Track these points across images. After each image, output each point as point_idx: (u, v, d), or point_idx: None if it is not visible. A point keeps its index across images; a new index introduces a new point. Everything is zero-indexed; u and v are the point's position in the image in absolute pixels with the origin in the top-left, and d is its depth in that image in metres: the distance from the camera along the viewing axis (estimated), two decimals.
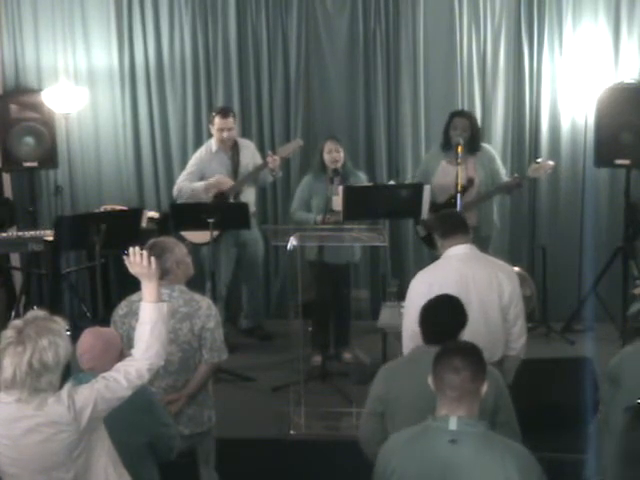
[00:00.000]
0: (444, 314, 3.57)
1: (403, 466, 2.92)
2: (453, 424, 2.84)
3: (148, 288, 3.10)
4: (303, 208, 5.95)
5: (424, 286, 4.11)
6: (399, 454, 2.96)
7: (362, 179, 6.05)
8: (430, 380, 2.96)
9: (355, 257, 6.09)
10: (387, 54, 6.74)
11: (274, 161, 6.05)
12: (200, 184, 6.13)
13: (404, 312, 4.22)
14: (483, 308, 4.06)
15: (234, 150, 6.26)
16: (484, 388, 2.92)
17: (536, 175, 5.94)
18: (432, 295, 4.01)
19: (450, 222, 4.33)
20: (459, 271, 4.11)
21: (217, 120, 6.13)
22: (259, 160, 6.32)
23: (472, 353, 2.96)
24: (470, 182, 5.79)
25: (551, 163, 6.00)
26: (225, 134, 6.12)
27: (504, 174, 6.04)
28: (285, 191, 6.92)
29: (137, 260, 3.10)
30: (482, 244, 5.91)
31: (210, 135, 6.32)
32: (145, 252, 3.13)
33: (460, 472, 2.83)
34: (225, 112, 6.18)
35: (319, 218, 5.72)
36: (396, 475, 2.94)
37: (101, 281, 5.45)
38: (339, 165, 5.81)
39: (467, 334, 3.96)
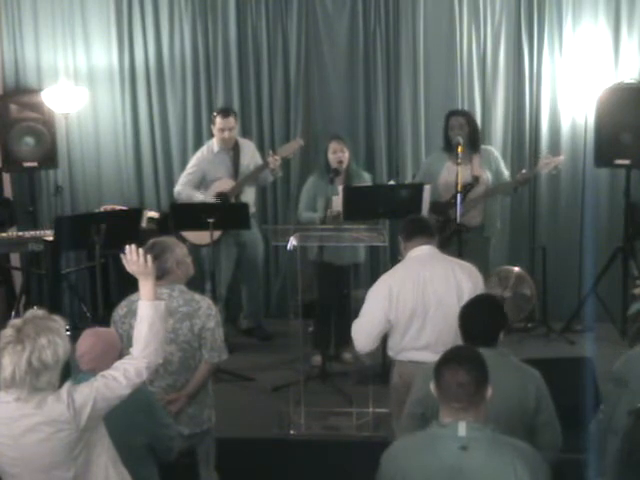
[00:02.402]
0: (484, 314, 3.57)
1: (411, 476, 2.90)
2: (462, 430, 2.83)
3: (145, 286, 3.11)
4: (309, 209, 5.93)
5: (384, 288, 4.18)
6: (406, 463, 2.93)
7: (367, 179, 6.04)
8: (432, 387, 2.95)
9: (359, 258, 6.08)
10: (387, 54, 6.74)
11: (275, 161, 6.06)
12: (200, 197, 6.13)
13: (362, 313, 4.26)
14: (441, 307, 4.10)
15: (235, 150, 6.26)
16: (489, 392, 2.92)
17: (545, 171, 5.90)
18: (392, 297, 4.10)
19: (414, 225, 4.37)
20: (417, 272, 4.16)
21: (218, 120, 6.14)
22: (259, 160, 6.33)
23: (475, 363, 2.92)
24: (476, 179, 5.77)
25: (561, 158, 5.98)
26: (226, 134, 6.13)
27: (507, 176, 6.02)
28: (285, 191, 6.93)
29: (134, 258, 3.11)
30: (483, 245, 5.94)
31: (211, 135, 6.32)
32: (142, 250, 3.13)
33: (471, 478, 2.82)
34: (226, 112, 6.19)
35: (322, 215, 5.71)
36: None
37: (101, 281, 5.45)
38: (344, 165, 5.80)
39: (428, 333, 4.08)
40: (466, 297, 4.08)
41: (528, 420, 3.44)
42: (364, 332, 4.21)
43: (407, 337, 4.15)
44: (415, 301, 4.11)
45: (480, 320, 3.55)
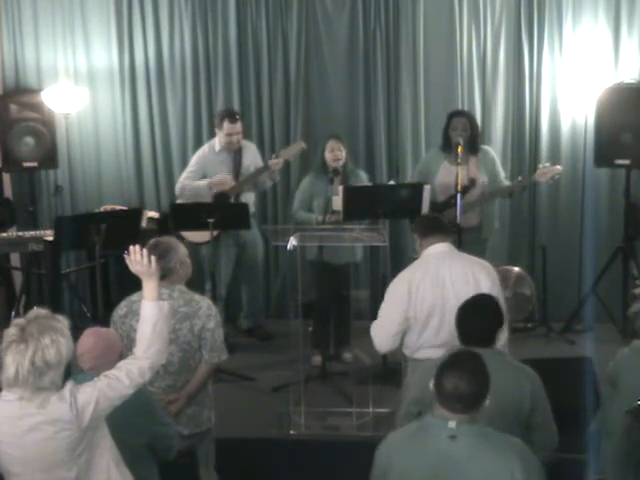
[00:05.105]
0: (481, 315, 3.57)
1: (402, 461, 2.93)
2: (452, 423, 2.86)
3: (148, 287, 3.11)
4: (304, 208, 5.93)
5: (402, 285, 4.19)
6: (398, 450, 2.97)
7: (363, 179, 6.03)
8: (431, 385, 2.95)
9: (356, 257, 6.08)
10: (387, 54, 6.74)
11: (277, 163, 6.06)
12: (203, 182, 6.13)
13: (380, 312, 4.26)
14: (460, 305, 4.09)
15: (237, 151, 6.26)
16: (486, 403, 2.93)
17: (543, 179, 5.89)
18: (411, 294, 4.10)
19: (430, 223, 4.39)
20: (436, 269, 4.17)
21: (226, 125, 6.12)
22: (260, 162, 6.33)
23: (478, 377, 2.91)
24: (472, 182, 5.77)
25: (559, 167, 5.95)
26: (234, 138, 6.14)
27: (504, 177, 6.02)
28: (285, 191, 6.92)
29: (137, 259, 3.11)
30: (481, 246, 5.93)
31: (212, 135, 6.32)
32: (145, 251, 3.13)
33: (461, 466, 2.83)
34: (233, 117, 6.17)
35: (320, 218, 5.71)
36: (396, 470, 2.94)
37: (101, 281, 5.45)
38: (341, 164, 5.80)
39: (446, 330, 4.06)
40: None
41: (523, 420, 3.44)
42: (383, 331, 4.20)
43: (425, 334, 4.15)
44: (434, 298, 4.11)
45: (477, 320, 3.55)
